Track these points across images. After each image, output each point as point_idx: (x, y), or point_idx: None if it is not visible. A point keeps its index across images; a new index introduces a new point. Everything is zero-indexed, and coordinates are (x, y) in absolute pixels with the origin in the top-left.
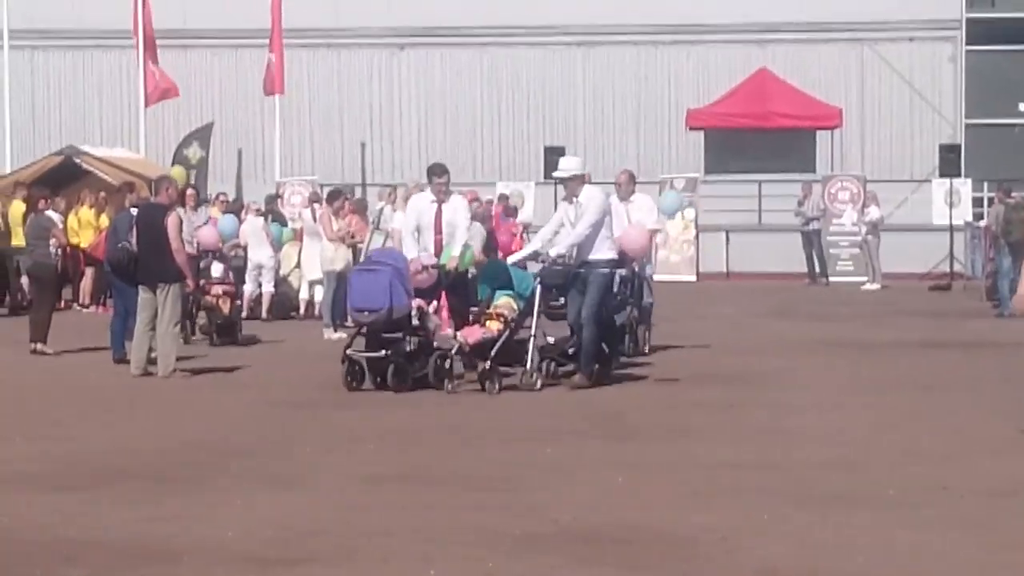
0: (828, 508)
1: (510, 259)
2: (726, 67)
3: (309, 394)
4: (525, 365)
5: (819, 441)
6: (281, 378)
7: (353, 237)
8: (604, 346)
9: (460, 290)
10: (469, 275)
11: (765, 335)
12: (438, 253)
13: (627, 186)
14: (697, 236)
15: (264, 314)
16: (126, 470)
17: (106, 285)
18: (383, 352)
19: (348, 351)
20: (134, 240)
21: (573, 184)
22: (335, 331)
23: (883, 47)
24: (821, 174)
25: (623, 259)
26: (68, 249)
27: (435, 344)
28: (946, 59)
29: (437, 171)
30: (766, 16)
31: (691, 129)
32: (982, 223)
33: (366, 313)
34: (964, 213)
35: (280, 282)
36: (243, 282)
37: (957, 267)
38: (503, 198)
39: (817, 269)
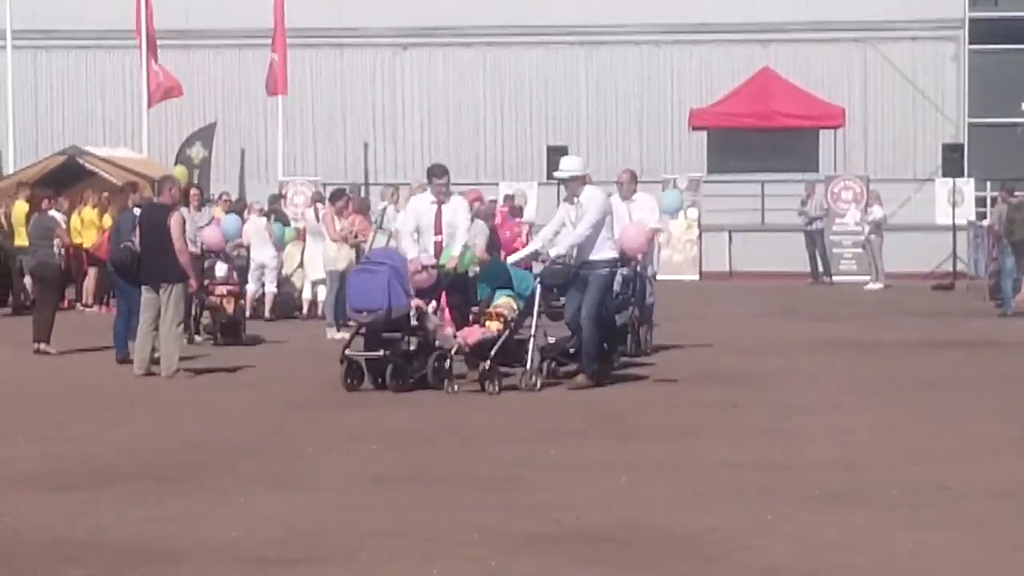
0: (830, 508)
1: (510, 259)
2: (729, 67)
3: (312, 394)
4: (525, 365)
5: (821, 441)
6: (284, 378)
7: (356, 237)
8: (604, 345)
9: (460, 290)
10: (470, 275)
11: (767, 335)
12: (437, 254)
13: (629, 185)
14: (700, 236)
15: (267, 314)
16: (128, 470)
17: (109, 285)
18: (382, 352)
19: (347, 351)
20: (137, 240)
21: (574, 184)
22: (338, 331)
23: (886, 46)
24: (824, 174)
25: (624, 258)
26: (71, 249)
27: (437, 344)
28: (949, 58)
29: (437, 172)
30: (769, 16)
31: (694, 129)
32: (985, 222)
33: (364, 313)
34: (967, 213)
35: (283, 282)
36: (246, 282)
37: (960, 267)
38: (509, 198)
39: (820, 268)
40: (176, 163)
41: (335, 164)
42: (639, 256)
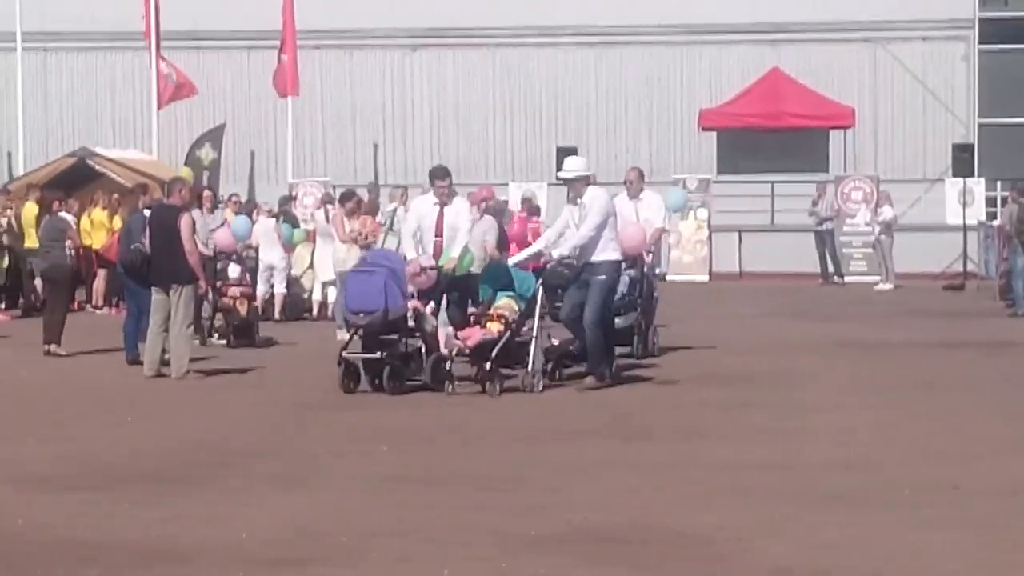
0: (837, 508)
1: (512, 260)
2: (738, 67)
3: (320, 396)
4: (527, 367)
5: (831, 441)
6: (293, 380)
7: (366, 238)
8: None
9: (460, 292)
10: (472, 272)
11: (776, 335)
12: (437, 255)
13: (637, 184)
14: (710, 236)
15: (277, 315)
16: (139, 471)
17: (119, 287)
18: (379, 354)
19: (344, 353)
20: (147, 241)
21: (578, 185)
22: (347, 332)
23: (896, 46)
24: (834, 174)
25: (632, 259)
26: (81, 251)
27: (442, 344)
28: (959, 58)
29: (439, 174)
30: (778, 16)
31: (703, 129)
32: (996, 223)
33: (362, 315)
34: (977, 213)
35: (292, 283)
36: (255, 283)
37: (971, 267)
38: (526, 201)
39: (831, 269)
40: (185, 164)
41: (345, 165)
42: (648, 257)
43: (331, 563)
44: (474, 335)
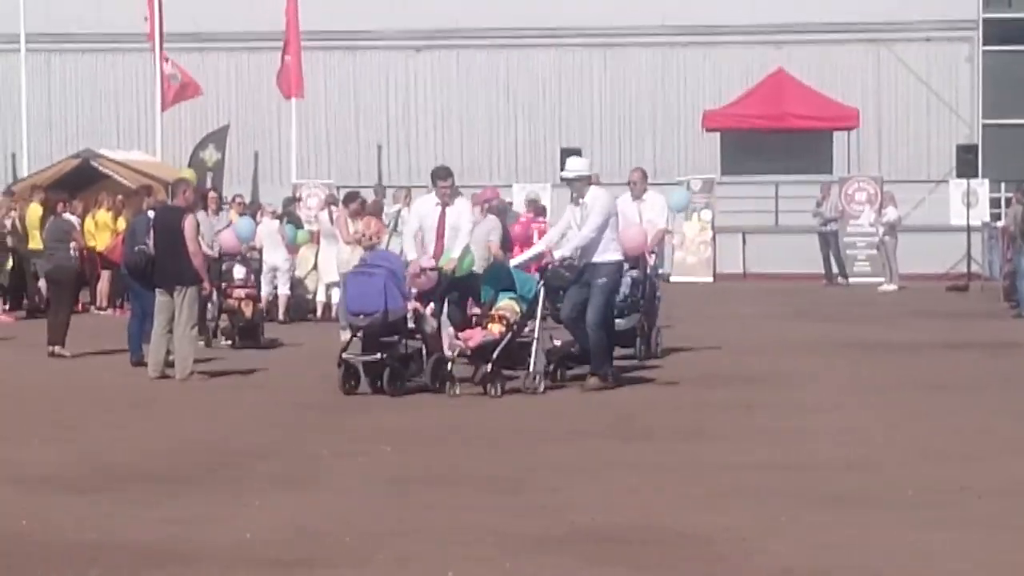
0: (843, 508)
1: (513, 261)
2: (742, 68)
3: (325, 397)
4: (528, 368)
5: (835, 442)
6: (299, 380)
7: (370, 240)
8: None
9: (459, 292)
10: (475, 272)
11: (780, 336)
12: (438, 256)
13: (641, 185)
14: (714, 237)
15: (281, 316)
16: (143, 472)
17: (123, 288)
18: (379, 355)
19: (344, 354)
20: (151, 243)
21: (579, 185)
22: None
23: (900, 47)
24: (838, 175)
25: (635, 260)
26: (85, 252)
27: (446, 346)
28: (963, 59)
29: (442, 174)
30: (782, 17)
31: (708, 130)
32: (1000, 224)
33: (361, 316)
34: (981, 214)
35: (296, 284)
36: (260, 285)
37: (975, 268)
38: (532, 203)
39: (835, 270)
40: (189, 166)
41: (349, 166)
42: (651, 258)
43: (335, 564)
44: (475, 336)
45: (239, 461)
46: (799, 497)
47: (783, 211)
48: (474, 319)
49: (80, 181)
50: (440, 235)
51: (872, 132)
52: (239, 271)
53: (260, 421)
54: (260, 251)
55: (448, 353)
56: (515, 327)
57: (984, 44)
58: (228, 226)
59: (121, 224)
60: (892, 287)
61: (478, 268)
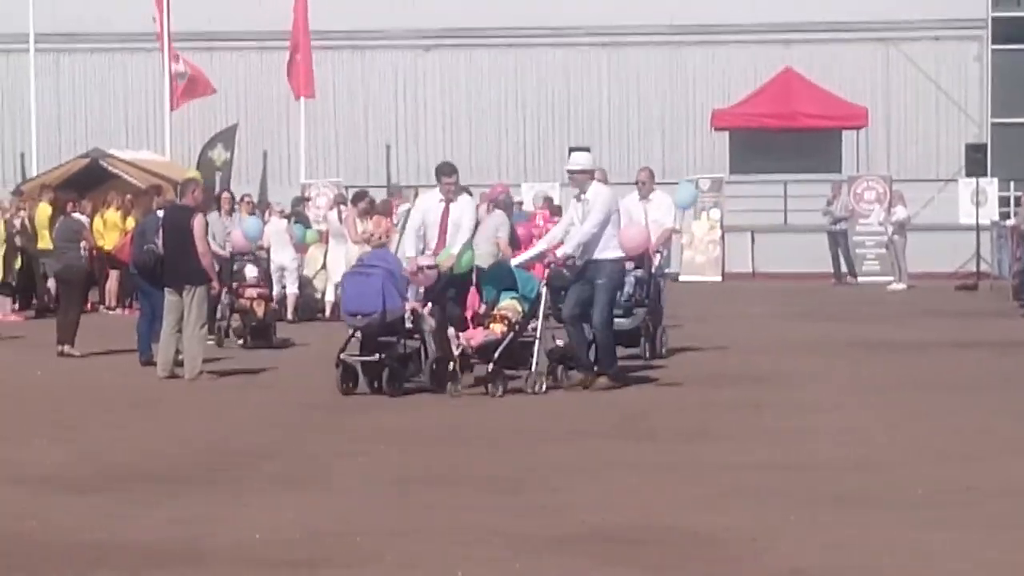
0: (856, 509)
1: (515, 260)
2: (751, 67)
3: (332, 397)
4: (530, 368)
5: (844, 442)
6: (305, 381)
7: (380, 239)
8: (592, 344)
9: (457, 290)
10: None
11: (788, 336)
12: (439, 252)
13: (648, 184)
14: (723, 236)
15: (290, 316)
16: (152, 472)
17: (132, 287)
18: (377, 356)
19: (342, 355)
20: (160, 242)
21: (581, 179)
22: None
23: (908, 46)
24: (847, 174)
25: (640, 260)
26: (94, 251)
27: (454, 344)
28: (972, 58)
29: (446, 170)
30: (791, 16)
31: (716, 129)
32: (1009, 222)
33: (359, 317)
34: (991, 212)
35: (305, 284)
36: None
37: (984, 267)
38: (547, 200)
39: (844, 269)
40: (198, 165)
41: (357, 166)
42: (656, 258)
43: (344, 564)
44: (477, 336)
45: (244, 461)
46: (806, 497)
47: (792, 210)
48: (476, 318)
49: (89, 181)
50: (443, 231)
51: (881, 131)
52: (251, 271)
53: (266, 421)
54: (268, 250)
55: (456, 352)
56: (517, 327)
57: (993, 43)
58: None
59: (130, 223)
60: (901, 286)
61: (485, 264)
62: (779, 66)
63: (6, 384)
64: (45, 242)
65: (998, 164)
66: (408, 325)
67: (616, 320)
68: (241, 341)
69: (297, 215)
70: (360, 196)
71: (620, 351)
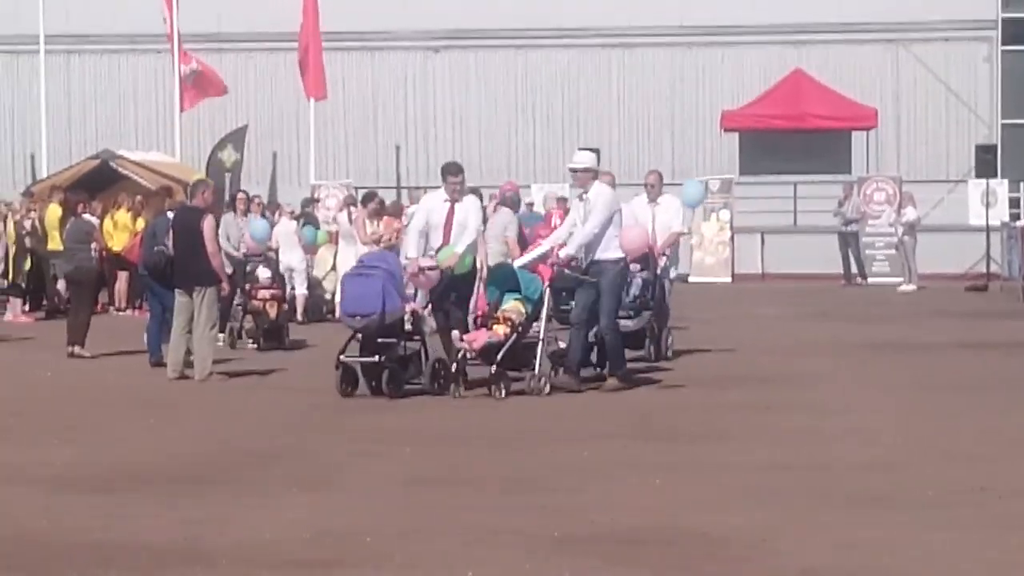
0: (868, 509)
1: (518, 261)
2: (760, 68)
3: (340, 398)
4: (533, 370)
5: (856, 442)
6: (315, 381)
7: (389, 240)
8: (593, 343)
9: (458, 293)
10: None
11: (798, 337)
12: None
13: (657, 187)
14: (732, 237)
15: (299, 316)
16: (162, 472)
17: (141, 288)
18: (377, 357)
19: (342, 356)
20: (170, 243)
21: (584, 177)
22: None
23: (918, 47)
24: (856, 175)
25: (646, 261)
26: (105, 252)
27: (460, 345)
28: (981, 59)
29: (452, 170)
30: (800, 17)
31: (726, 130)
32: (1019, 223)
33: (358, 318)
34: (1001, 213)
35: (315, 285)
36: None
37: (994, 268)
38: (562, 200)
39: (854, 270)
40: (208, 166)
41: (367, 167)
42: (662, 260)
43: (356, 564)
44: (480, 338)
45: (254, 462)
46: (816, 497)
47: (801, 211)
48: (479, 320)
49: (99, 182)
50: (447, 231)
51: (891, 132)
52: (264, 272)
53: (276, 422)
54: (277, 251)
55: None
56: (520, 328)
57: (1003, 44)
58: None
59: (140, 225)
60: (911, 287)
61: (494, 262)
62: (789, 67)
63: (17, 385)
64: (55, 243)
65: (1008, 165)
66: (408, 327)
67: (621, 322)
68: (253, 342)
69: (306, 216)
70: (370, 197)
71: (626, 353)
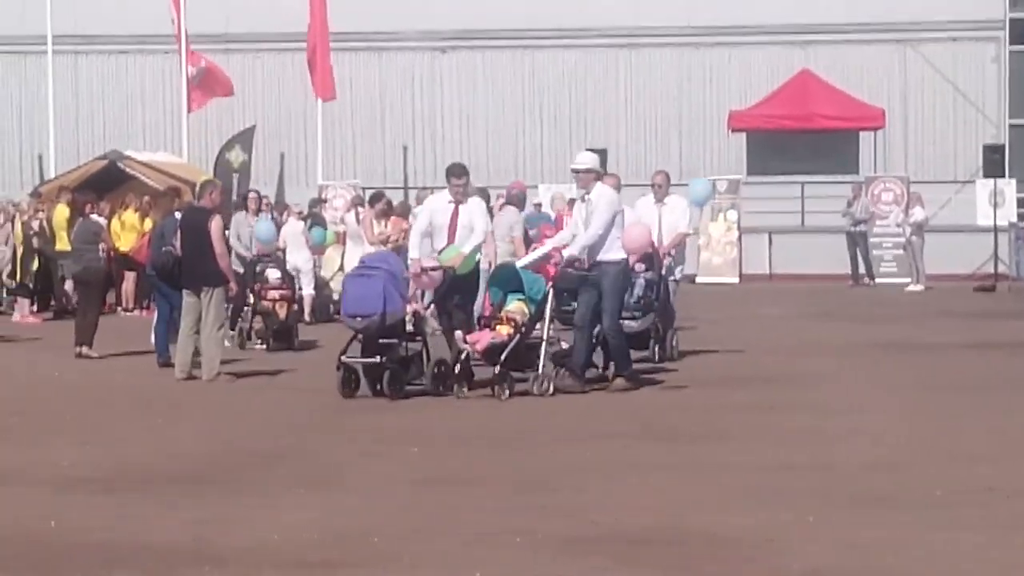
0: (873, 509)
1: (520, 262)
2: (768, 68)
3: (349, 399)
4: (537, 370)
5: (862, 442)
6: (322, 382)
7: (397, 240)
8: (595, 342)
9: (462, 295)
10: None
11: (805, 337)
12: None
13: (664, 188)
14: (740, 238)
15: (307, 317)
16: (170, 473)
17: (149, 289)
18: (378, 358)
19: (343, 357)
20: (178, 244)
21: (586, 178)
22: None
23: (926, 47)
24: (864, 175)
25: (650, 261)
26: (113, 253)
27: (463, 346)
28: (989, 59)
29: (456, 172)
30: (808, 17)
31: (733, 131)
32: None
33: (359, 319)
34: (1008, 214)
35: (322, 285)
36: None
37: (1002, 268)
38: (571, 201)
39: (862, 270)
40: (216, 167)
41: (374, 167)
42: (667, 260)
43: (363, 565)
44: (483, 338)
45: (262, 462)
46: (827, 498)
47: (809, 211)
48: (482, 321)
49: (107, 182)
50: (452, 233)
51: (898, 132)
52: (274, 273)
53: (283, 422)
54: (284, 252)
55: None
56: (523, 329)
57: (1011, 44)
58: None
59: (148, 225)
60: (919, 287)
61: (501, 261)
62: (796, 67)
63: (25, 385)
64: (63, 244)
65: (1016, 165)
66: (409, 328)
67: (625, 323)
68: (262, 343)
69: (314, 216)
70: (377, 197)
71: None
